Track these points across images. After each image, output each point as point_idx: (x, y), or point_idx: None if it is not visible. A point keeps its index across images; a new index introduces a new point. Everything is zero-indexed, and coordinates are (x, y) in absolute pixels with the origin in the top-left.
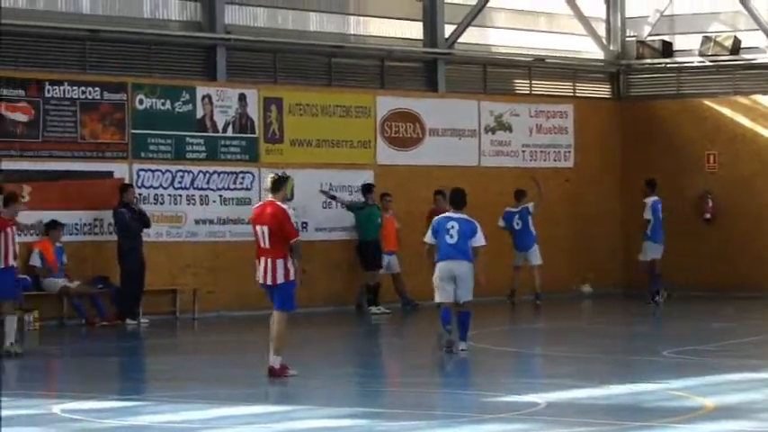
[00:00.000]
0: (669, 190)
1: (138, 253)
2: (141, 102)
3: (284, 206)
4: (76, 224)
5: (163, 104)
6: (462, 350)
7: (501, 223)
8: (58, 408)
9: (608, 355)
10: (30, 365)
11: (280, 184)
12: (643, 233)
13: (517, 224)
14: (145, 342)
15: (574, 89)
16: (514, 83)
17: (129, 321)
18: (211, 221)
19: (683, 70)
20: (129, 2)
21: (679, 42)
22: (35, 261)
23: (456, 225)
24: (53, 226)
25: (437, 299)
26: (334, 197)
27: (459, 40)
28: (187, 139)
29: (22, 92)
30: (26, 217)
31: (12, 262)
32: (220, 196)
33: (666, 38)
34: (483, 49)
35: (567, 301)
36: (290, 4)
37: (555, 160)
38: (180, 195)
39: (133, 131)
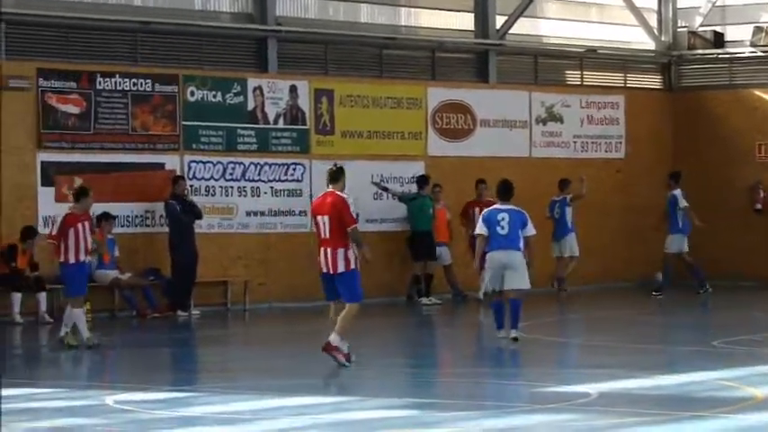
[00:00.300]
0: (720, 180)
1: (190, 244)
2: (192, 93)
3: (344, 195)
4: (128, 216)
5: (214, 96)
6: (514, 338)
7: (547, 213)
8: (110, 399)
9: (657, 346)
10: (81, 357)
11: (339, 174)
12: (674, 225)
13: (557, 213)
14: (196, 333)
15: (625, 80)
16: (565, 74)
17: (180, 313)
18: (262, 213)
19: (734, 61)
20: None
21: (730, 33)
22: None
23: (507, 216)
24: (105, 218)
25: (486, 287)
26: (386, 188)
27: (511, 31)
28: (238, 130)
29: (73, 84)
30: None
31: (83, 257)
32: (271, 188)
33: (718, 28)
34: (534, 39)
35: (617, 292)
36: None
37: (606, 151)
38: (231, 187)
39: (184, 123)
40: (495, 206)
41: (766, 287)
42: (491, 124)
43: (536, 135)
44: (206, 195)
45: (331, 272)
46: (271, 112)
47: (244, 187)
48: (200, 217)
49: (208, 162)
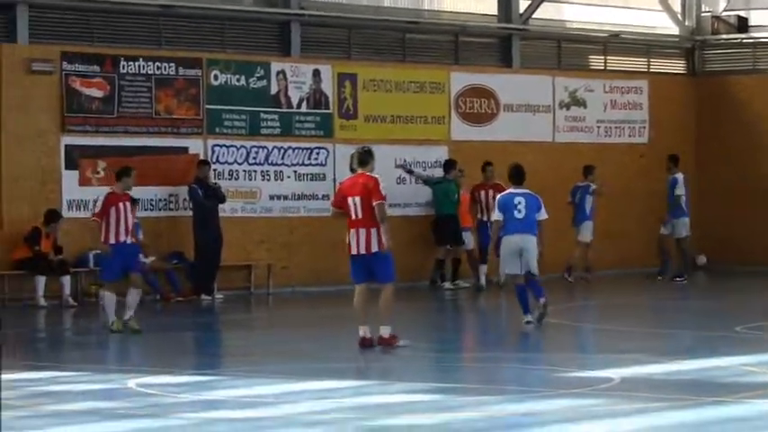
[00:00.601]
0: (743, 165)
1: (213, 228)
2: (216, 77)
3: (376, 175)
4: (151, 200)
5: (237, 80)
6: (544, 305)
7: (569, 197)
8: (133, 382)
9: (681, 331)
10: (105, 341)
11: (368, 157)
12: (676, 209)
13: (577, 199)
14: (219, 317)
15: (648, 65)
16: (589, 58)
17: (203, 297)
18: (286, 197)
19: (758, 45)
20: None
21: (755, 17)
22: None
23: (523, 200)
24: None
25: (506, 271)
26: (411, 171)
27: (534, 16)
28: (261, 114)
29: (97, 67)
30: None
31: (123, 238)
32: (295, 172)
33: (742, 13)
34: (558, 24)
35: (640, 277)
36: None
37: (629, 136)
38: (254, 171)
39: (208, 107)
40: (509, 190)
41: None
42: (514, 109)
43: (559, 120)
44: (229, 179)
45: (364, 252)
46: (294, 96)
47: (267, 171)
48: (222, 201)
49: (231, 146)
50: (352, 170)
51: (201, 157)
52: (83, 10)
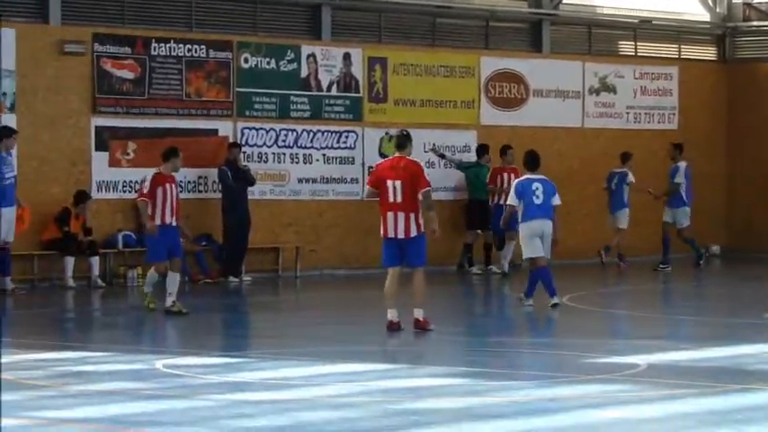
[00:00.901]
0: None
1: (242, 211)
2: (246, 60)
3: (418, 160)
4: (181, 181)
5: (268, 63)
6: (555, 304)
7: (605, 184)
8: (160, 363)
9: (709, 317)
10: (133, 322)
11: (406, 140)
12: (676, 198)
13: (614, 185)
14: (247, 299)
15: (679, 51)
16: (619, 44)
17: (231, 279)
18: (314, 180)
19: None
20: None
21: None
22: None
23: (540, 186)
24: None
25: (529, 254)
26: (443, 155)
27: (565, 1)
28: (291, 97)
29: (128, 49)
30: (131, 174)
31: (169, 220)
32: (324, 155)
33: None
34: (588, 10)
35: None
36: None
37: (659, 122)
38: (283, 154)
39: (238, 90)
40: (526, 176)
41: None
42: (544, 94)
43: (589, 105)
44: (258, 162)
45: (403, 236)
46: (324, 79)
47: (296, 154)
48: (252, 184)
49: (261, 129)
50: (382, 154)
51: (231, 140)
52: None
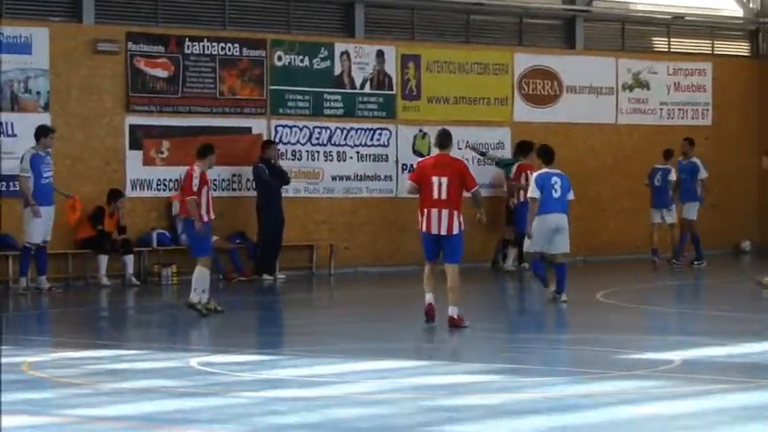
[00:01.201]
0: None
1: (277, 209)
2: (280, 58)
3: (460, 158)
4: (215, 180)
5: (301, 61)
6: (564, 301)
7: (646, 180)
8: (194, 361)
9: (744, 313)
10: (167, 320)
11: (448, 138)
12: (689, 194)
13: (658, 181)
14: (281, 297)
15: (712, 47)
16: (652, 40)
17: (265, 277)
18: (348, 178)
19: None
20: None
21: None
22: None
23: (558, 180)
24: None
25: (530, 248)
26: (483, 153)
27: None
28: (325, 95)
29: (162, 48)
30: (165, 172)
31: (212, 215)
32: (357, 152)
33: None
34: (621, 6)
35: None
36: None
37: (693, 118)
38: (317, 151)
39: (272, 87)
40: (545, 170)
41: None
42: (577, 90)
43: (622, 102)
44: (292, 159)
45: (444, 233)
46: (357, 77)
47: (330, 152)
48: (287, 182)
49: (294, 126)
50: (416, 152)
51: (265, 138)
52: None
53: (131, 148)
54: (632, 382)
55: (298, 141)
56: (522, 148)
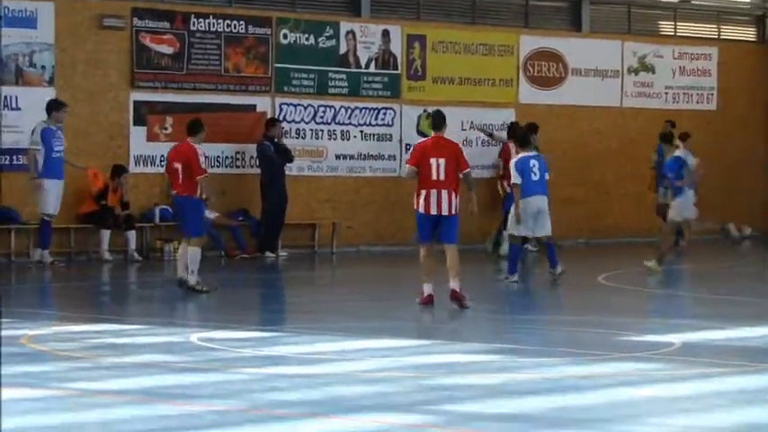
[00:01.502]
0: None
1: (280, 187)
2: (285, 36)
3: (454, 140)
4: (218, 157)
5: (306, 39)
6: (561, 272)
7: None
8: (194, 336)
9: (744, 297)
10: (169, 295)
11: (443, 120)
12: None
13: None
14: (283, 275)
15: (718, 32)
16: (659, 24)
17: (268, 254)
18: (352, 156)
19: None
20: None
21: None
22: None
23: (536, 163)
24: None
25: (519, 232)
26: (491, 134)
27: None
28: (330, 74)
29: (167, 24)
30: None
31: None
32: (361, 132)
33: None
34: None
35: (706, 244)
36: None
37: (698, 102)
38: (321, 130)
39: (276, 65)
40: (524, 154)
41: None
42: (582, 73)
43: (627, 85)
44: (296, 138)
45: (443, 213)
46: (363, 56)
47: (334, 131)
48: (291, 160)
49: (299, 105)
50: (420, 132)
51: (270, 116)
52: None
53: (135, 123)
54: (632, 365)
55: (302, 120)
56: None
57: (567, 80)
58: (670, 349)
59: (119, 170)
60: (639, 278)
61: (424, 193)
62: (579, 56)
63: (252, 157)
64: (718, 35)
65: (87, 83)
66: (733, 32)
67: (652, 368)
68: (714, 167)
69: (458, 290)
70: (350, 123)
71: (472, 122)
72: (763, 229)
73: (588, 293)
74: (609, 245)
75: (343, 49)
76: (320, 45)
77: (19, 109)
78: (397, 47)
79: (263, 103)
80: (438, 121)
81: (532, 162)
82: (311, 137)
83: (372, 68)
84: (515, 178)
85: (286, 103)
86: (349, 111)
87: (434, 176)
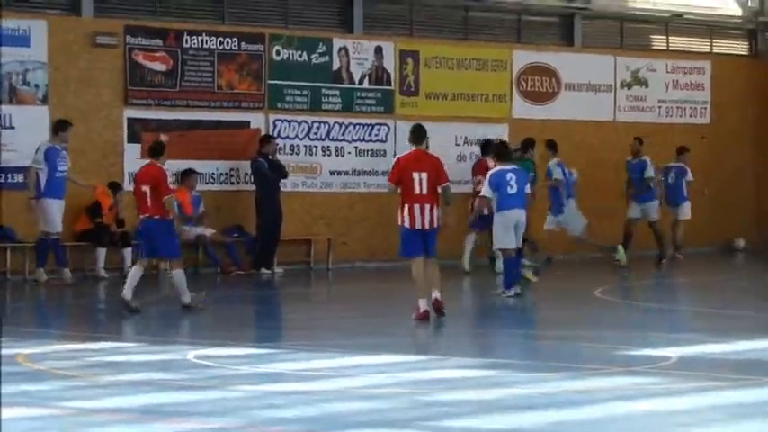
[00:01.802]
0: None
1: (275, 203)
2: (278, 53)
3: (435, 154)
4: (212, 174)
5: (299, 56)
6: (517, 294)
7: (660, 176)
8: (191, 354)
9: (741, 311)
10: (164, 313)
11: (424, 134)
12: (648, 193)
13: (671, 179)
14: (278, 291)
15: (711, 45)
16: (651, 38)
17: (263, 271)
18: (346, 173)
19: None
20: None
21: None
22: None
23: (514, 176)
24: (188, 174)
25: (505, 245)
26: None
27: None
28: (323, 90)
29: (160, 42)
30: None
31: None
32: (355, 148)
33: None
34: (620, 3)
35: (701, 257)
36: None
37: (691, 116)
38: (315, 146)
39: (270, 82)
40: (500, 167)
41: None
42: (576, 88)
43: (621, 99)
44: (290, 154)
45: (429, 228)
46: (356, 72)
47: (328, 147)
48: (285, 176)
49: (292, 121)
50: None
51: (263, 132)
52: None
53: (129, 141)
54: (629, 379)
55: (296, 136)
56: (525, 146)
57: (561, 95)
58: (667, 363)
59: (114, 188)
60: (636, 292)
61: (407, 207)
62: (572, 70)
63: (246, 173)
64: (711, 49)
65: (80, 101)
66: (725, 46)
67: (649, 382)
68: (707, 180)
69: (440, 299)
70: (344, 139)
71: (466, 137)
72: (754, 242)
73: (584, 307)
74: (605, 259)
75: (336, 66)
76: (313, 61)
77: (13, 127)
78: (389, 63)
79: (256, 120)
80: (418, 134)
81: (509, 175)
82: (305, 153)
83: (366, 84)
84: (485, 191)
85: (280, 120)
86: (343, 127)
87: (417, 191)
